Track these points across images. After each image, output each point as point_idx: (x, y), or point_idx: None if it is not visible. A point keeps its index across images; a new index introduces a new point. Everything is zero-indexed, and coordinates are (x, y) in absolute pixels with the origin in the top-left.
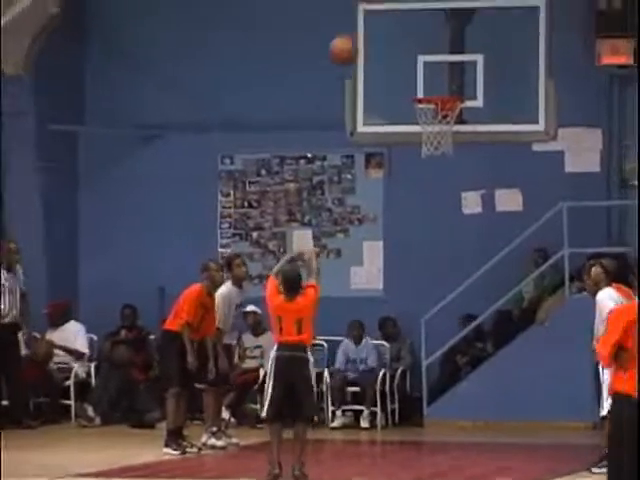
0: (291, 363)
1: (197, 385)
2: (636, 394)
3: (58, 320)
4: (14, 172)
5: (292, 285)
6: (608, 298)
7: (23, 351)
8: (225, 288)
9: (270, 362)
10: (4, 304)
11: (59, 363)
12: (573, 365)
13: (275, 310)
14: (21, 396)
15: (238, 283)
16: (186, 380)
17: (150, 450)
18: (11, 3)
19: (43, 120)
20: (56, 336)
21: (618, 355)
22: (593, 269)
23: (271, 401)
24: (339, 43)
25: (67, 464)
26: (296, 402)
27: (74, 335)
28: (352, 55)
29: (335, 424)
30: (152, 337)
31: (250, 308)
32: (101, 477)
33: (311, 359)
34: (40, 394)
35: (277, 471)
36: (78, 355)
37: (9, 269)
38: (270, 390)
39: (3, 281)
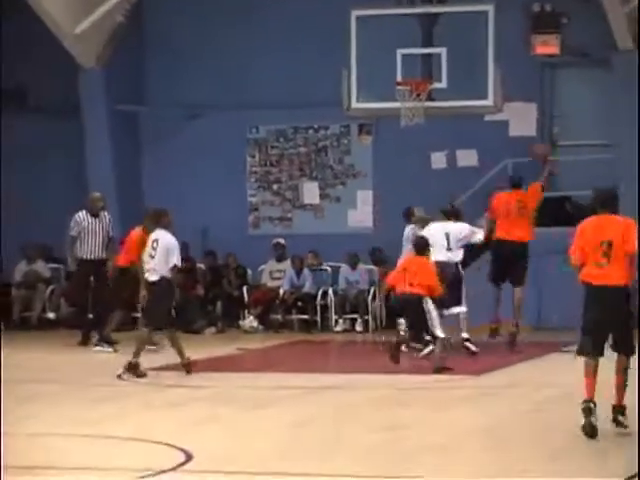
0: None
1: None
2: None
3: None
4: (91, 143)
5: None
6: None
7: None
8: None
9: None
10: (88, 244)
11: None
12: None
13: None
14: (106, 315)
15: None
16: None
17: (196, 350)
18: (87, 13)
19: (112, 103)
20: None
21: None
22: None
23: None
24: (539, 148)
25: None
26: None
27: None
28: (547, 156)
29: (338, 328)
30: (199, 265)
31: (279, 240)
32: (160, 370)
33: None
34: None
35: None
36: None
37: (94, 215)
38: None
39: (87, 224)
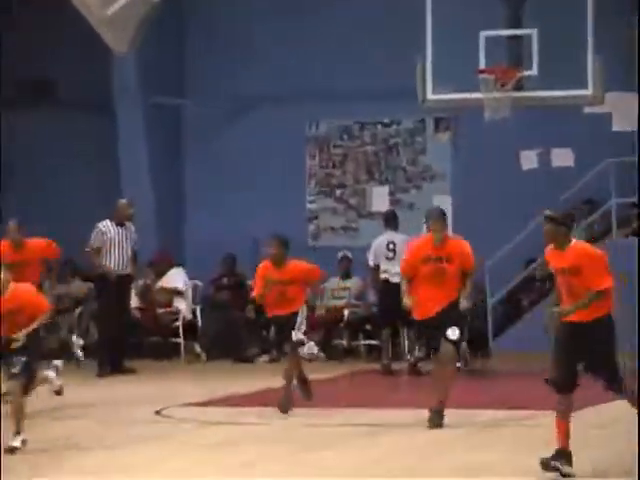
0: None
1: None
2: None
3: (163, 269)
4: (125, 142)
5: None
6: None
7: (136, 302)
8: None
9: None
10: (113, 257)
11: (167, 306)
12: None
13: None
14: (122, 343)
15: None
16: None
17: (247, 382)
18: None
19: (148, 95)
20: (163, 281)
21: None
22: None
23: None
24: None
25: (176, 395)
26: None
27: (175, 278)
28: None
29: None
30: (248, 282)
31: (345, 253)
32: (205, 406)
33: None
34: (151, 335)
35: None
36: (177, 292)
37: (120, 224)
38: None
39: (113, 234)
